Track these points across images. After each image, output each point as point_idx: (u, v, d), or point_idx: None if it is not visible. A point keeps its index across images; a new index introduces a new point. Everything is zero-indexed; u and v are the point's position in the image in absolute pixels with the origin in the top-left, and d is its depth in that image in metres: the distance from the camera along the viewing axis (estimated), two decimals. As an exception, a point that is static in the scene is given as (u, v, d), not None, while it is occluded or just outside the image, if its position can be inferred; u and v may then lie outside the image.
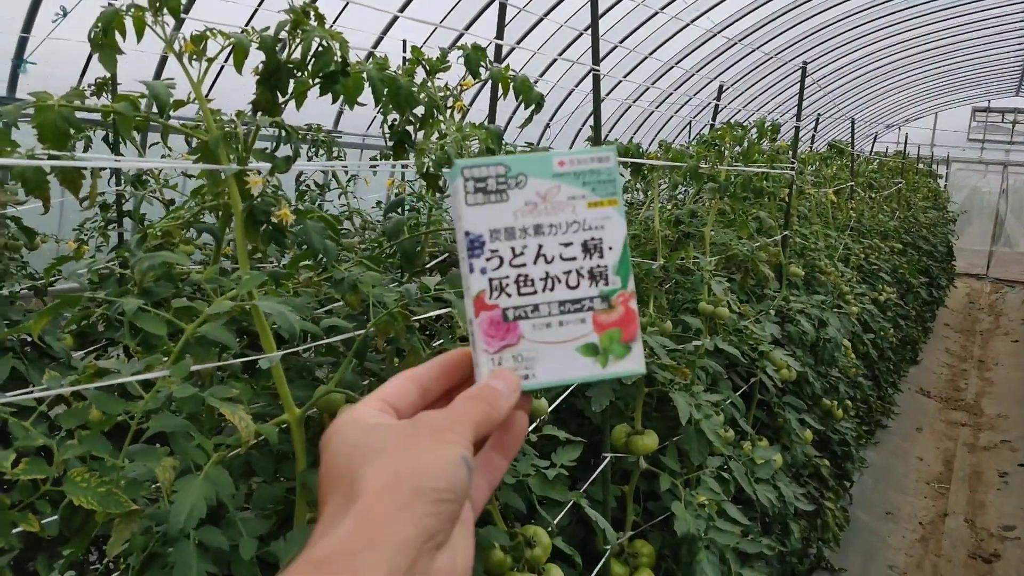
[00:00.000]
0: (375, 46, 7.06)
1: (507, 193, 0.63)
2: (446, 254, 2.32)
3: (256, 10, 5.10)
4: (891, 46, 14.74)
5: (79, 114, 1.37)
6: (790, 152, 4.14)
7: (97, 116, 1.44)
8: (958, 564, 4.55)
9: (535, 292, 0.63)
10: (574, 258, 0.64)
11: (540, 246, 0.63)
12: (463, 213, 0.62)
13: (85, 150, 3.01)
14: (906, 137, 12.24)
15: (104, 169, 2.99)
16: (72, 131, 1.22)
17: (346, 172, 4.17)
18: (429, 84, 1.86)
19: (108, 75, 3.02)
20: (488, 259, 0.62)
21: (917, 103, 20.03)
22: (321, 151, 4.01)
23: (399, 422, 0.58)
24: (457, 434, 0.55)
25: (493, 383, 0.61)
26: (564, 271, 0.64)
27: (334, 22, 6.29)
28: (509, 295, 0.63)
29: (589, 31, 2.54)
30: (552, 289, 0.63)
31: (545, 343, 0.63)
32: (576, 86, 9.88)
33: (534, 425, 1.97)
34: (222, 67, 1.52)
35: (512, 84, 2.08)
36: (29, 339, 2.57)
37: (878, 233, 7.06)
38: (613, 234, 0.64)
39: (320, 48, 1.44)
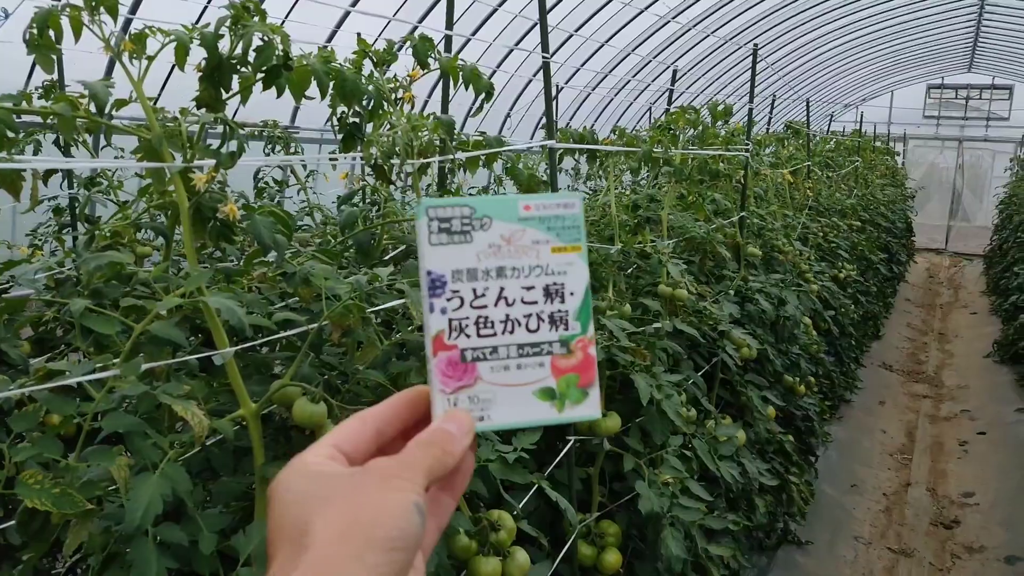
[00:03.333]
0: (329, 40, 7.01)
1: (471, 234, 0.63)
2: (403, 246, 2.33)
3: (205, 8, 5.04)
4: (845, 26, 14.94)
5: (26, 117, 1.36)
6: (744, 134, 4.20)
7: (47, 120, 1.43)
8: (920, 532, 4.67)
9: (495, 334, 0.63)
10: (535, 302, 0.64)
11: (502, 288, 0.63)
12: (425, 252, 0.62)
13: (35, 154, 2.97)
14: (862, 116, 12.43)
15: (55, 172, 2.95)
16: (10, 133, 1.21)
17: (305, 168, 4.15)
18: (376, 76, 1.87)
19: (55, 78, 2.97)
20: (449, 299, 0.62)
21: (873, 82, 20.33)
22: (278, 147, 3.98)
23: (349, 469, 0.56)
24: (409, 481, 0.54)
25: (446, 426, 0.60)
26: (524, 314, 0.64)
27: (285, 18, 6.24)
28: (468, 336, 0.63)
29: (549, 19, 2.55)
30: (512, 332, 0.63)
31: (502, 385, 0.63)
32: (534, 75, 9.90)
33: (494, 411, 1.99)
34: (172, 67, 1.51)
35: (462, 74, 2.09)
36: (-15, 347, 2.53)
37: (836, 212, 7.17)
38: (575, 280, 0.65)
39: (261, 42, 1.44)
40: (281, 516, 0.52)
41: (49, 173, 2.83)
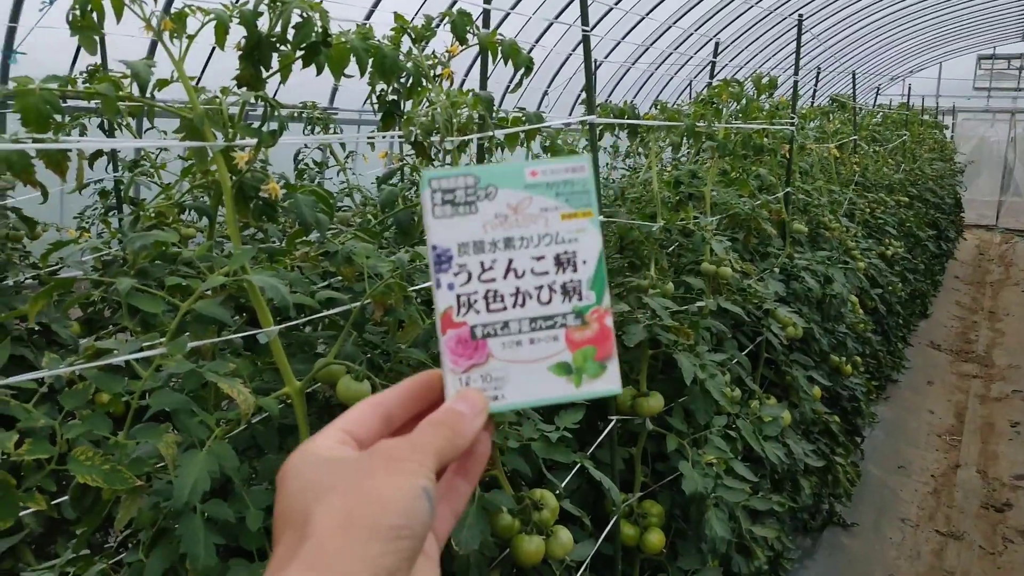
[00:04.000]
0: (367, 18, 6.99)
1: (476, 205, 0.61)
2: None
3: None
4: (891, -4, 14.54)
5: (71, 101, 1.37)
6: (789, 107, 4.10)
7: (92, 104, 1.44)
8: (970, 515, 4.57)
9: (505, 308, 0.61)
10: (546, 272, 0.62)
11: (510, 260, 0.61)
12: (430, 225, 0.60)
13: (81, 136, 3.01)
14: (909, 88, 12.09)
15: (100, 156, 2.99)
16: (56, 115, 1.22)
17: (344, 148, 4.16)
18: (415, 52, 1.85)
19: (98, 61, 3.01)
20: (456, 274, 0.60)
21: (920, 53, 19.75)
22: (317, 128, 3.99)
23: (356, 453, 0.54)
24: (417, 463, 0.52)
25: (457, 406, 0.58)
26: (536, 286, 0.61)
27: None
28: (478, 312, 0.61)
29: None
30: (523, 305, 0.61)
31: (515, 362, 0.61)
32: (573, 51, 9.78)
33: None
34: (213, 48, 1.51)
35: (500, 49, 2.06)
36: (38, 327, 2.59)
37: (883, 187, 6.99)
38: (587, 247, 0.62)
39: (300, 19, 1.43)
40: (286, 503, 0.51)
41: (95, 156, 2.88)
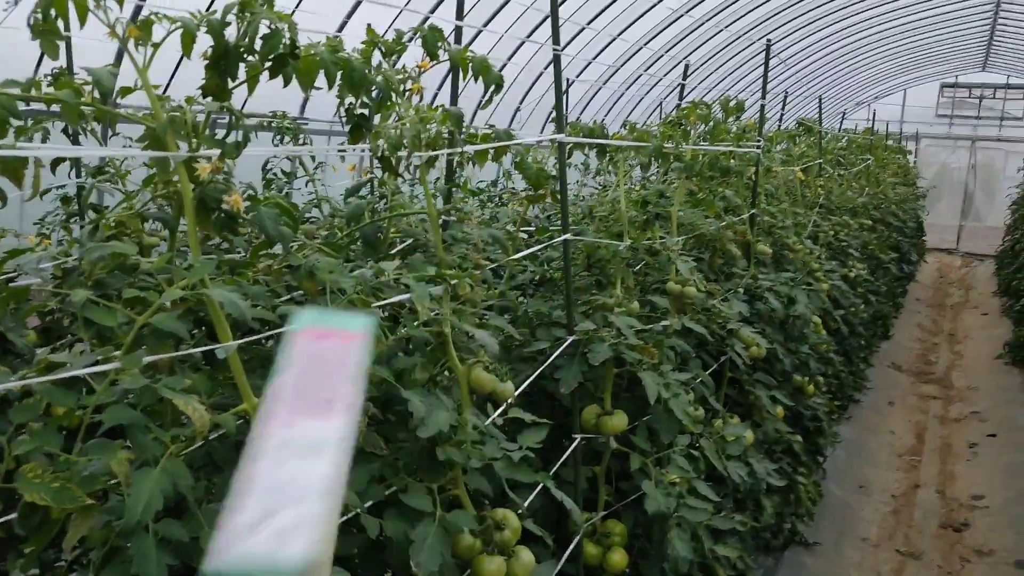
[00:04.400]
0: (340, 30, 6.98)
1: None
2: (410, 239, 2.30)
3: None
4: (858, 23, 14.82)
5: (34, 105, 1.34)
6: (756, 130, 4.16)
7: (51, 107, 1.41)
8: (928, 534, 4.63)
9: None
10: None
11: None
12: None
13: (43, 142, 2.95)
14: (874, 114, 12.33)
15: (63, 161, 2.93)
16: (15, 120, 1.19)
17: (313, 159, 4.12)
18: (385, 66, 1.84)
19: (63, 66, 2.95)
20: None
21: (886, 80, 20.17)
22: (287, 138, 3.96)
23: None
24: None
25: None
26: None
27: (296, 7, 6.20)
28: None
29: (561, 11, 2.52)
30: None
31: None
32: (545, 68, 9.84)
33: (501, 409, 1.97)
34: (182, 56, 1.49)
35: (471, 65, 2.06)
36: (-9, 336, 2.52)
37: (847, 210, 7.11)
38: None
39: (268, 30, 1.42)
40: None
41: (57, 162, 2.82)
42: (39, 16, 1.29)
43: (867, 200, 8.11)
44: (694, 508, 2.49)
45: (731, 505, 3.08)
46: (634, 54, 11.39)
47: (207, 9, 1.50)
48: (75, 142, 3.13)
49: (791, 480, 3.88)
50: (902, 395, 7.30)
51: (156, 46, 1.37)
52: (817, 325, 4.56)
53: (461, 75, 2.15)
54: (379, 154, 1.71)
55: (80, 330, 1.37)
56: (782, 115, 8.24)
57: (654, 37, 11.23)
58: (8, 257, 1.71)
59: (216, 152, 1.33)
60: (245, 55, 1.50)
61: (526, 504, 1.97)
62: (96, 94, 1.25)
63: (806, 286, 4.31)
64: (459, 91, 2.70)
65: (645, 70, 11.76)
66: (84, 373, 1.17)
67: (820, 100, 6.90)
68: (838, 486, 4.93)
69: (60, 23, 1.37)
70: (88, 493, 1.22)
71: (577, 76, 10.63)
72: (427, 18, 7.46)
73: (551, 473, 2.30)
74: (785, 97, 6.49)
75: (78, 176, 3.14)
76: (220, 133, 1.47)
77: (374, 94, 1.85)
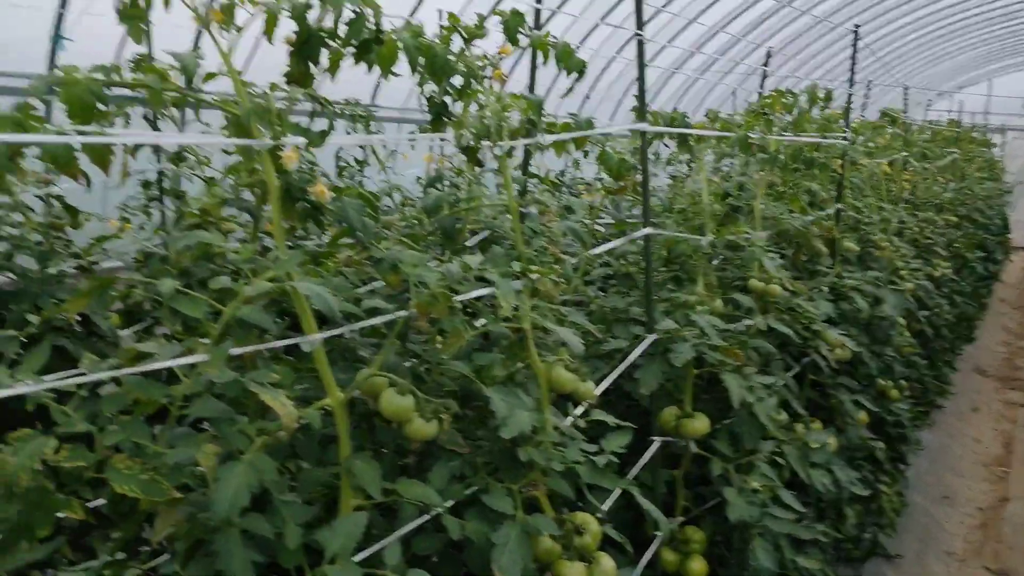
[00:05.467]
0: (411, 14, 6.95)
1: None
2: (487, 231, 2.25)
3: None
4: (946, 7, 14.19)
5: (115, 91, 1.32)
6: (842, 120, 3.98)
7: (138, 93, 1.39)
8: (1020, 551, 4.39)
9: None
10: None
11: None
12: None
13: (125, 127, 2.99)
14: (960, 104, 11.81)
15: (141, 146, 2.97)
16: (102, 105, 1.17)
17: (384, 147, 4.11)
18: (466, 52, 1.78)
19: (145, 52, 2.98)
20: None
21: (971, 68, 19.34)
22: (359, 125, 3.95)
23: None
24: None
25: None
26: None
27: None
28: None
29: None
30: None
31: None
32: (617, 53, 9.66)
33: (582, 410, 1.90)
34: (257, 42, 1.46)
35: (552, 51, 1.99)
36: (78, 318, 2.57)
37: (933, 206, 6.81)
38: None
39: (353, 14, 1.37)
40: None
41: (137, 147, 2.86)
42: (126, 1, 1.27)
43: (953, 195, 7.76)
44: (777, 518, 2.39)
45: (812, 514, 2.96)
46: (711, 38, 11.11)
47: None
48: (154, 127, 3.17)
49: (874, 489, 3.71)
50: (987, 401, 6.98)
51: (240, 30, 1.34)
52: (901, 326, 4.36)
53: (542, 61, 2.09)
54: (463, 144, 1.65)
55: (165, 319, 1.35)
56: (865, 104, 7.93)
57: (732, 20, 10.92)
58: (97, 243, 1.71)
59: (301, 140, 1.30)
60: (328, 40, 1.45)
61: (604, 507, 1.90)
62: (181, 80, 1.22)
63: (891, 285, 4.12)
64: (535, 76, 2.63)
65: (721, 55, 11.46)
66: (173, 365, 1.15)
67: (906, 90, 6.61)
68: (921, 496, 4.72)
69: (144, 7, 1.35)
70: (177, 484, 1.20)
71: (650, 61, 10.42)
72: (497, 2, 7.37)
73: (631, 476, 2.23)
74: (868, 85, 6.22)
75: (158, 161, 3.18)
76: (296, 119, 1.43)
77: (456, 81, 1.80)
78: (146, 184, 3.31)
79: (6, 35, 4.87)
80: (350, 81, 1.88)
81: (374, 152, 3.99)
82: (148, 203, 3.29)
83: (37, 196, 2.74)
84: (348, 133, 3.91)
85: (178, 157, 3.12)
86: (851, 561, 3.67)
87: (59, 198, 2.73)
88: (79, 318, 2.56)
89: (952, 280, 6.67)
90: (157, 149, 3.23)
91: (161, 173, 3.09)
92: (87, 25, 4.61)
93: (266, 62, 1.61)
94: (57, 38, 4.52)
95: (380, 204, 3.65)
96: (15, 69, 4.81)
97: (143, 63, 2.52)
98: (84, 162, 1.29)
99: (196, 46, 5.98)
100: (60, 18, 4.56)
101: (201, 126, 3.00)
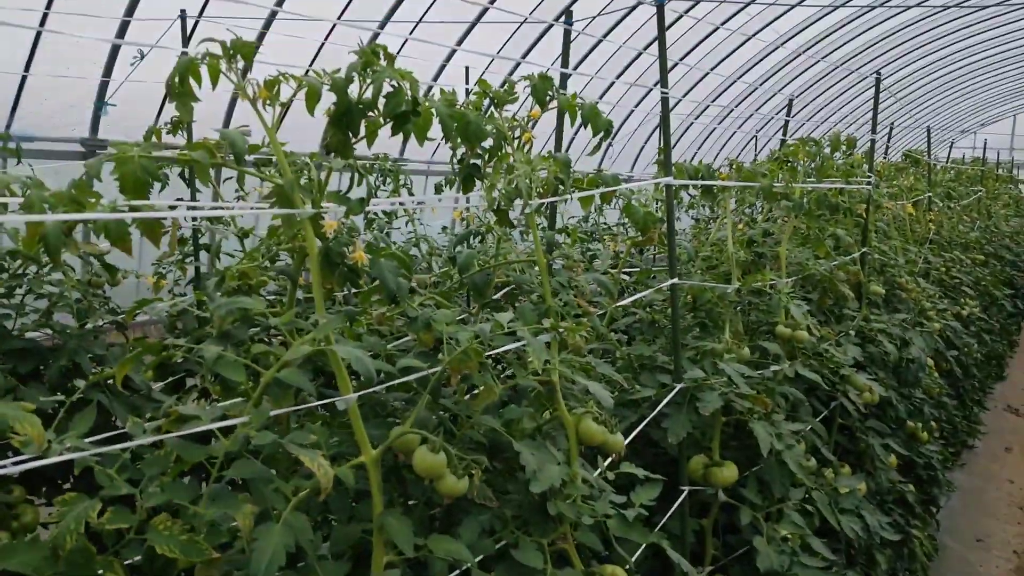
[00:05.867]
0: (436, 77, 7.13)
1: None
2: (512, 284, 2.30)
3: (320, 49, 5.16)
4: (966, 48, 14.24)
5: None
6: (866, 165, 4.01)
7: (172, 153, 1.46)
8: (1059, 595, 4.29)
9: None
10: None
11: None
12: None
13: (162, 188, 3.09)
14: (985, 142, 11.78)
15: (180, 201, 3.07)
16: (154, 181, 1.23)
17: (414, 203, 4.21)
18: (497, 117, 1.85)
19: (181, 118, 3.10)
20: None
21: (995, 106, 19.31)
22: (388, 179, 4.05)
23: None
24: None
25: None
26: None
27: (397, 53, 6.33)
28: None
29: (655, 49, 2.50)
30: None
31: None
32: (636, 106, 9.81)
33: (609, 461, 1.92)
34: (286, 108, 1.54)
35: (580, 112, 2.05)
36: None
37: (958, 245, 6.78)
38: None
39: (392, 88, 1.44)
40: None
41: (173, 206, 2.95)
42: (176, 80, 1.34)
43: (979, 234, 7.72)
44: (808, 566, 2.38)
45: (843, 560, 2.93)
46: (729, 87, 11.24)
47: (311, 63, 1.53)
48: (193, 190, 3.28)
49: (905, 533, 3.66)
50: (1020, 440, 6.85)
51: (284, 106, 1.41)
52: (930, 367, 4.34)
53: (569, 122, 2.15)
54: (494, 206, 1.71)
55: (206, 381, 1.40)
56: (888, 146, 7.95)
57: (749, 69, 11.06)
58: (138, 306, 1.78)
59: (341, 209, 1.35)
60: (367, 111, 1.52)
61: (632, 558, 1.91)
62: (230, 155, 1.29)
63: (919, 327, 4.10)
64: (563, 136, 2.70)
65: (739, 103, 11.57)
66: (214, 427, 1.20)
67: (928, 130, 6.62)
68: (954, 539, 4.63)
69: (195, 85, 1.43)
70: (216, 544, 1.24)
71: (670, 110, 10.54)
72: (518, 63, 7.53)
73: (658, 527, 2.23)
74: (891, 128, 6.25)
75: (193, 219, 3.27)
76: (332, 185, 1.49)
77: (486, 144, 1.86)
78: (182, 240, 3.41)
79: (53, 102, 5.07)
80: (380, 137, 1.95)
81: (402, 204, 4.09)
82: (183, 259, 3.38)
83: (77, 255, 2.83)
84: (377, 188, 4.02)
85: (214, 217, 3.22)
86: (885, 609, 3.60)
87: (98, 257, 2.82)
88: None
89: (980, 319, 6.62)
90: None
91: (196, 230, 3.18)
92: (129, 90, 4.78)
93: (296, 123, 1.68)
94: (102, 104, 4.70)
95: (409, 255, 3.73)
96: (60, 134, 4.99)
97: (181, 126, 2.61)
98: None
99: (230, 112, 6.14)
100: (104, 85, 4.75)
101: (234, 185, 3.10)
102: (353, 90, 1.50)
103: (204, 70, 1.41)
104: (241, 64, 1.42)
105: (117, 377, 1.23)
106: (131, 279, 3.19)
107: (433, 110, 1.58)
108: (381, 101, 1.45)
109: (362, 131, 1.57)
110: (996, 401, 7.50)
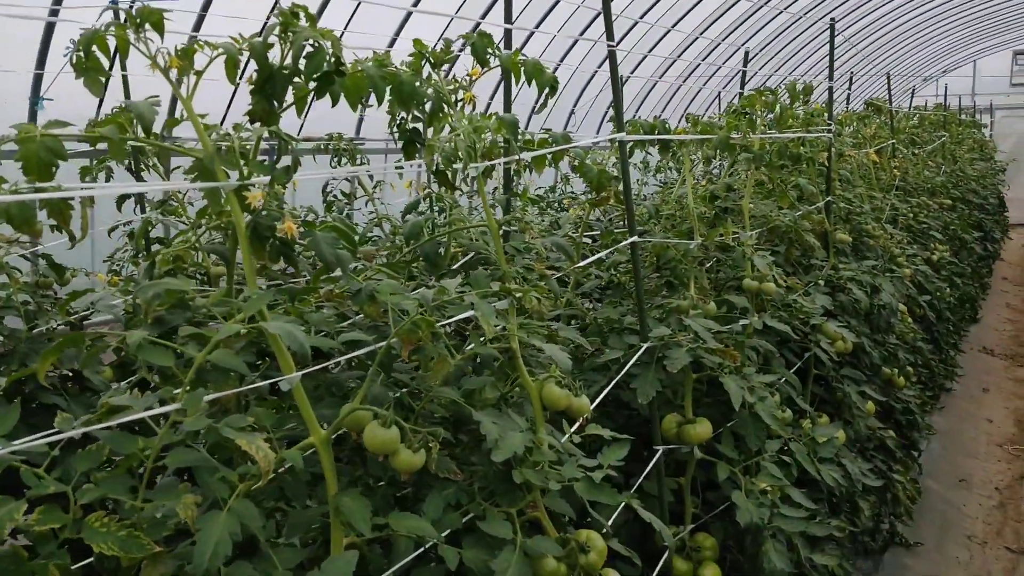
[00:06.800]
0: (391, 45, 7.01)
1: None
2: (472, 253, 2.24)
3: (264, 27, 5.01)
4: (921, -5, 14.27)
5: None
6: (825, 114, 3.97)
7: (95, 145, 1.38)
8: (1041, 528, 4.34)
9: None
10: None
11: None
12: None
13: (107, 180, 2.99)
14: (945, 88, 11.83)
15: (128, 198, 2.96)
16: (59, 161, 1.16)
17: (372, 178, 4.11)
18: (435, 78, 1.78)
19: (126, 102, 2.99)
20: None
21: (954, 52, 19.39)
22: (344, 159, 3.96)
23: None
24: None
25: None
26: None
27: (345, 27, 6.22)
28: None
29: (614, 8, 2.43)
30: None
31: None
32: (598, 67, 9.72)
33: (577, 425, 1.88)
34: (238, 86, 1.46)
35: (523, 70, 1.99)
36: (70, 373, 2.55)
37: (925, 190, 6.79)
38: None
39: (312, 49, 1.37)
40: None
41: (122, 199, 2.86)
42: (81, 54, 1.27)
43: (945, 178, 7.75)
44: (788, 517, 2.36)
45: (826, 509, 2.92)
46: (690, 44, 11.17)
47: (259, 34, 1.45)
48: (138, 178, 3.17)
49: (887, 478, 3.67)
50: (997, 380, 6.92)
51: (199, 74, 1.33)
52: (902, 313, 4.34)
53: (514, 80, 2.08)
54: (434, 168, 1.65)
55: (142, 370, 1.34)
56: (849, 96, 7.94)
57: (710, 25, 10.98)
58: (70, 299, 1.70)
59: (265, 179, 1.29)
60: (292, 77, 1.45)
61: (609, 522, 1.88)
62: (139, 129, 1.21)
63: (889, 273, 4.10)
64: (513, 97, 2.63)
65: (703, 60, 11.52)
66: (144, 416, 1.13)
67: (888, 78, 6.61)
68: (936, 481, 4.67)
69: (104, 60, 1.35)
70: (159, 538, 1.18)
71: (632, 72, 10.47)
72: (478, 24, 7.42)
73: (634, 488, 2.20)
74: (851, 78, 6.23)
75: (142, 211, 3.18)
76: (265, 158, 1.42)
77: (426, 107, 1.80)
78: (131, 235, 3.31)
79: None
80: (334, 116, 1.87)
81: (361, 184, 4.00)
82: (136, 254, 3.29)
83: (22, 256, 2.74)
84: (332, 167, 3.92)
85: (163, 205, 3.12)
86: (870, 553, 3.62)
87: (45, 256, 2.72)
88: (71, 373, 2.55)
89: (951, 262, 6.65)
90: (141, 200, 3.23)
91: (146, 222, 3.09)
92: (67, 83, 4.64)
93: (221, 94, 1.61)
94: (37, 99, 4.55)
95: (369, 235, 3.65)
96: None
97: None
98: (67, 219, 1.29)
99: (230, 104, 5.93)
100: (38, 79, 4.60)
101: (183, 172, 3.00)
102: (275, 55, 1.43)
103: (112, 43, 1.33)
104: (153, 34, 1.34)
105: (40, 372, 1.16)
106: (81, 278, 3.09)
107: (363, 71, 1.51)
108: (303, 63, 1.37)
109: (290, 98, 1.50)
110: (972, 343, 7.57)
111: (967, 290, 7.60)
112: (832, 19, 4.09)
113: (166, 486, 1.22)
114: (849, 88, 7.61)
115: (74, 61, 1.29)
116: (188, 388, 1.18)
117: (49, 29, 4.60)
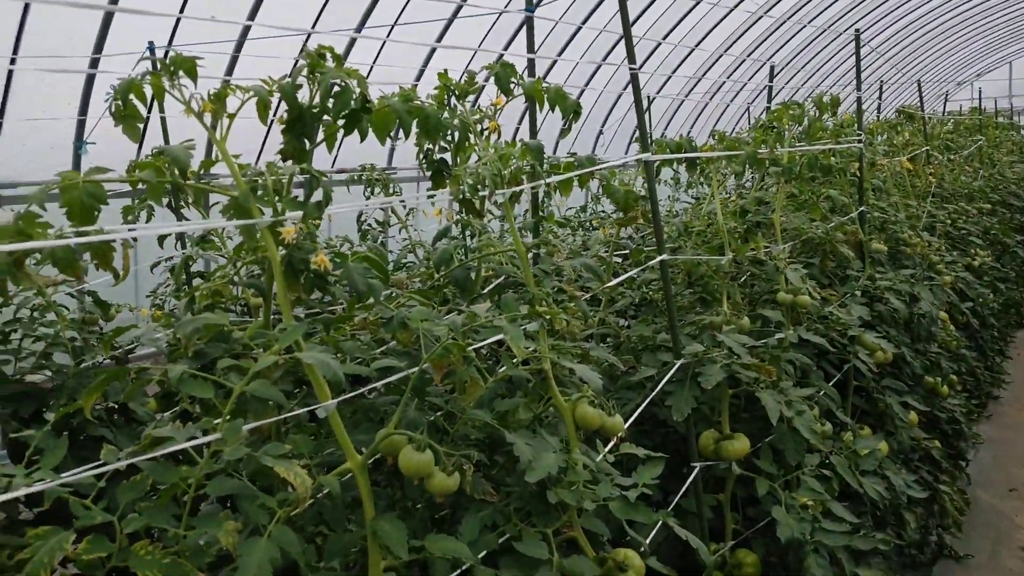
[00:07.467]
0: (418, 79, 7.12)
1: None
2: (503, 276, 2.27)
3: (296, 64, 5.15)
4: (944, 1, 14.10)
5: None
6: (855, 124, 3.95)
7: (136, 187, 1.44)
8: (1099, 539, 4.20)
9: None
10: None
11: None
12: None
13: (148, 220, 3.08)
14: (980, 91, 11.64)
15: (168, 236, 3.06)
16: (101, 206, 1.21)
17: (404, 206, 4.18)
18: (460, 109, 1.82)
19: (163, 146, 3.09)
20: None
21: (987, 55, 19.09)
22: (377, 189, 4.03)
23: None
24: None
25: None
26: None
27: (373, 63, 6.34)
28: None
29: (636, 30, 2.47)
30: None
31: None
32: (624, 89, 9.75)
33: (611, 444, 1.89)
34: (271, 124, 1.52)
35: (546, 96, 2.03)
36: (116, 406, 2.63)
37: (963, 196, 6.68)
38: None
39: (339, 88, 1.41)
40: None
41: (163, 237, 2.95)
42: (119, 103, 1.33)
43: (983, 183, 7.61)
44: (830, 531, 2.33)
45: (870, 523, 2.87)
46: (715, 62, 11.17)
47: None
48: (178, 215, 3.26)
49: (933, 489, 3.60)
50: (1048, 386, 6.73)
51: (231, 117, 1.39)
52: (944, 321, 4.27)
53: (538, 107, 2.12)
54: (460, 197, 1.68)
55: (183, 402, 1.38)
56: (879, 105, 7.87)
57: (734, 42, 10.98)
58: (115, 334, 1.76)
59: (298, 215, 1.33)
60: (321, 116, 1.50)
61: (647, 540, 1.88)
62: (175, 172, 1.27)
63: (928, 281, 4.04)
64: (539, 123, 2.67)
65: (728, 77, 11.50)
66: (186, 446, 1.17)
67: (919, 84, 6.54)
68: (986, 491, 4.55)
69: (141, 107, 1.41)
70: (202, 565, 1.21)
71: (658, 92, 10.49)
72: (501, 55, 7.52)
73: (671, 505, 2.20)
74: (881, 87, 6.18)
75: (183, 247, 3.27)
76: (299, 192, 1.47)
77: (451, 137, 1.84)
78: (172, 270, 3.41)
79: (33, 145, 5.09)
80: (366, 147, 1.92)
81: (394, 212, 4.06)
82: (178, 289, 3.38)
83: (69, 294, 2.83)
84: (366, 198, 4.00)
85: (203, 240, 3.21)
86: (917, 567, 3.54)
87: (91, 293, 2.81)
88: (116, 405, 2.62)
89: (993, 267, 6.52)
90: (182, 236, 3.32)
91: (186, 258, 3.17)
92: (107, 126, 4.80)
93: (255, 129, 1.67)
94: (80, 143, 4.71)
95: (403, 262, 3.71)
96: (43, 178, 5.00)
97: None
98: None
99: (265, 141, 6.07)
100: (81, 125, 4.76)
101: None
102: (304, 95, 1.48)
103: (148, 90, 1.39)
104: (187, 80, 1.40)
105: (85, 407, 1.21)
106: (126, 313, 3.18)
107: (389, 106, 1.56)
108: (330, 103, 1.42)
109: (321, 135, 1.55)
110: (1018, 349, 7.39)
111: (1011, 295, 7.44)
112: (857, 30, 4.08)
113: (208, 514, 1.26)
114: (880, 97, 7.55)
115: (113, 110, 1.35)
116: (228, 418, 1.21)
117: (90, 78, 4.78)
